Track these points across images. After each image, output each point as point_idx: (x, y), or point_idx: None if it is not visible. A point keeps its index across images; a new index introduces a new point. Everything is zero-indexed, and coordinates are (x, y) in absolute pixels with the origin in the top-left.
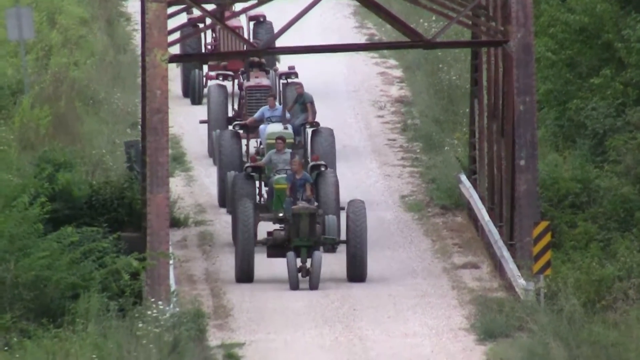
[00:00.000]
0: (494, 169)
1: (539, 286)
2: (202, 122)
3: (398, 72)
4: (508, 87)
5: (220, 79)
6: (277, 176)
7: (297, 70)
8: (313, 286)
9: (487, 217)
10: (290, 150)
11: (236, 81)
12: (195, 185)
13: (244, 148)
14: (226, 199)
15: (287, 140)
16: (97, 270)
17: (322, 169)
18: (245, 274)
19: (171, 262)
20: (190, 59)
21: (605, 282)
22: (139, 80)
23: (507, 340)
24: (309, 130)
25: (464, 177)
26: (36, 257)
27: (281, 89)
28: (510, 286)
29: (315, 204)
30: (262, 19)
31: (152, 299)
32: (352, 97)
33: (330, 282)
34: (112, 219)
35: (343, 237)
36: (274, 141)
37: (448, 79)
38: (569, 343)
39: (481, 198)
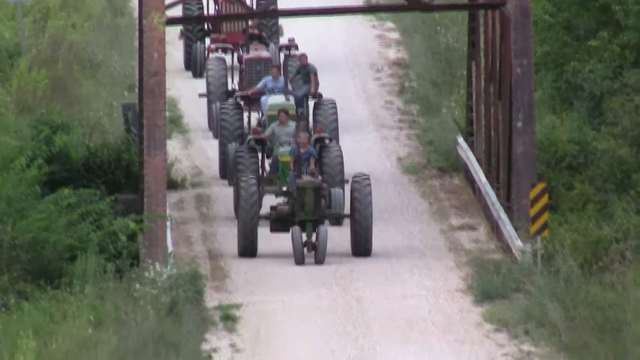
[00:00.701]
0: (491, 131)
1: (536, 248)
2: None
3: (395, 35)
4: (505, 50)
5: (220, 51)
6: (282, 149)
7: (295, 36)
8: (319, 261)
9: (484, 179)
10: (294, 123)
11: (235, 54)
12: (193, 147)
13: (245, 120)
14: (227, 171)
15: (290, 112)
16: (95, 232)
17: (327, 141)
18: (248, 250)
19: (168, 224)
20: (186, 22)
21: (602, 243)
22: (137, 43)
23: (503, 301)
24: (312, 102)
25: (461, 140)
26: (33, 219)
27: (282, 61)
28: (507, 248)
29: (320, 177)
30: None
31: (150, 261)
32: (350, 60)
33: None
34: (109, 181)
35: (347, 210)
36: (275, 113)
37: (445, 42)
38: (566, 304)
39: (478, 160)
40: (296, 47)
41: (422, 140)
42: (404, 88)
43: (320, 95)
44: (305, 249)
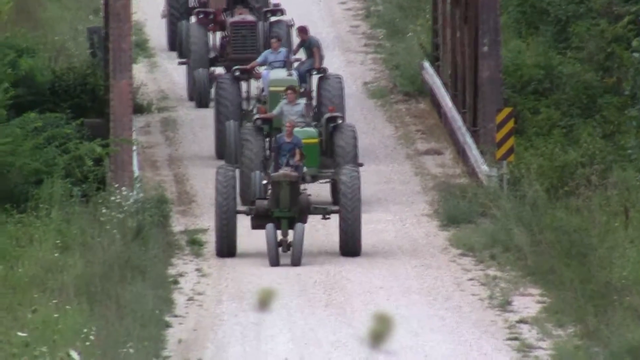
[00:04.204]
0: (457, 55)
1: (502, 172)
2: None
3: None
4: None
5: (201, 16)
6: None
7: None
8: (294, 262)
9: (450, 103)
10: (304, 100)
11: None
12: (158, 71)
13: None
14: (226, 150)
15: (296, 89)
16: (61, 156)
17: (339, 121)
18: (225, 248)
19: (134, 148)
20: None
21: (567, 168)
22: None
23: (469, 226)
24: (316, 77)
25: (427, 64)
26: None
27: (267, 28)
28: (473, 172)
29: (305, 169)
30: None
31: (116, 185)
32: None
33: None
34: (75, 105)
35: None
36: (278, 89)
37: None
38: (532, 229)
39: (444, 84)
40: (282, 12)
41: (388, 65)
42: (369, 12)
43: (325, 70)
44: (280, 249)
